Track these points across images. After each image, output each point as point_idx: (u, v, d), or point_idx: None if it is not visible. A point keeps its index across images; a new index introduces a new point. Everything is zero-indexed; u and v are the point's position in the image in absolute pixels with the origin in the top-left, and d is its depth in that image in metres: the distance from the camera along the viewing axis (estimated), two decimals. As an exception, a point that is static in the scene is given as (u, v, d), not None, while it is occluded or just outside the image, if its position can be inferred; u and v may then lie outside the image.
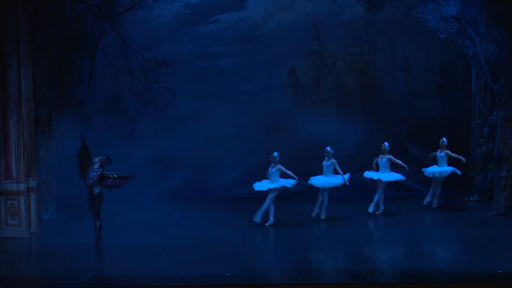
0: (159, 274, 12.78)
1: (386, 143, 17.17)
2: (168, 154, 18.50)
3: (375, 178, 17.15)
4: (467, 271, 12.34)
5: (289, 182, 16.19)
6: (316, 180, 16.61)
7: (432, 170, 17.55)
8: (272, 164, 16.24)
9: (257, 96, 19.45)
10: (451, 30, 18.27)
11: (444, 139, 17.45)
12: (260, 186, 16.26)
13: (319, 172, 16.84)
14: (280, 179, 16.19)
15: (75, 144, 17.38)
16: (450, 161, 17.60)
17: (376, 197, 17.14)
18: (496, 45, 17.58)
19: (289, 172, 16.06)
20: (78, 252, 14.19)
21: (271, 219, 16.18)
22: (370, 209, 17.04)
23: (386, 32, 19.46)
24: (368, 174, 17.27)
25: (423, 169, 17.73)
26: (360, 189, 17.74)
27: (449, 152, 17.31)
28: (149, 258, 13.87)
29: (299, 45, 19.50)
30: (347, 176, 16.55)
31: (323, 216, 16.53)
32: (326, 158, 16.63)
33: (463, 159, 17.32)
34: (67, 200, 17.49)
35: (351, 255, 13.98)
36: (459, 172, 17.37)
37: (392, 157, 17.09)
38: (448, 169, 17.41)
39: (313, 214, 16.54)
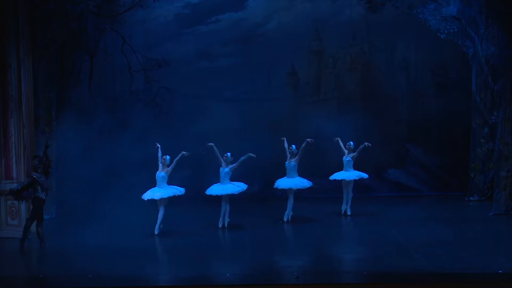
0: (159, 274, 12.78)
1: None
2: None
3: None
4: (467, 271, 12.33)
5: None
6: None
7: (339, 176, 16.99)
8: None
9: (257, 96, 19.48)
10: (451, 30, 18.25)
11: (351, 142, 16.95)
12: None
13: (319, 171, 16.88)
14: None
15: (75, 144, 17.45)
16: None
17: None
18: (496, 45, 17.58)
19: None
20: (78, 252, 14.18)
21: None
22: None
23: (386, 32, 19.48)
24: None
25: (330, 177, 17.12)
26: (358, 189, 17.66)
27: (355, 155, 16.82)
28: (148, 258, 13.87)
29: (299, 45, 19.52)
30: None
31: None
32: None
33: (367, 144, 16.71)
34: (67, 200, 17.51)
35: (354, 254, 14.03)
36: (365, 176, 16.94)
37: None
38: (353, 174, 16.88)
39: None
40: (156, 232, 15.40)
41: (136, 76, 19.38)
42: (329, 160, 17.65)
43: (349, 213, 16.96)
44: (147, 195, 15.45)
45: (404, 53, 19.61)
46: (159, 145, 15.70)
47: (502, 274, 12.10)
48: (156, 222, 15.43)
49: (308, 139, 16.25)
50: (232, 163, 15.92)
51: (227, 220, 16.08)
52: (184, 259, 13.86)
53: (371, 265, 13.03)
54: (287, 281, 12.14)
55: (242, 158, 15.84)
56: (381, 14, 19.28)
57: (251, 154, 15.82)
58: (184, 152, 15.50)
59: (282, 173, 16.60)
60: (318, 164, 18.34)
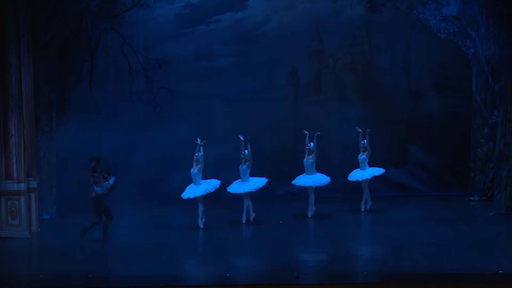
0: (159, 274, 12.78)
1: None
2: (169, 154, 18.51)
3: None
4: (467, 271, 12.34)
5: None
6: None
7: (355, 175, 17.18)
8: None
9: (258, 96, 19.48)
10: (452, 30, 18.26)
11: (365, 141, 17.07)
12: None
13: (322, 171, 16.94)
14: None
15: (75, 144, 17.47)
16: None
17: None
18: (496, 45, 17.59)
19: None
20: (78, 252, 14.20)
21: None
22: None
23: (386, 32, 19.47)
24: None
25: (348, 178, 17.32)
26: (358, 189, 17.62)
27: (369, 152, 17.01)
28: (149, 258, 13.88)
29: (299, 45, 19.51)
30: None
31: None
32: (243, 161, 16.36)
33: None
34: (67, 200, 17.51)
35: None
36: (381, 173, 17.16)
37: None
38: (368, 173, 17.07)
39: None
40: (200, 226, 15.74)
41: (137, 76, 19.37)
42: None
43: (362, 209, 17.19)
44: (185, 194, 15.80)
45: (404, 53, 19.60)
46: (199, 143, 15.94)
47: (502, 274, 12.11)
48: (198, 217, 15.79)
49: (316, 133, 16.51)
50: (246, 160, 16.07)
51: (252, 215, 16.16)
52: (184, 259, 13.87)
53: (371, 265, 13.04)
54: (287, 281, 12.15)
55: (246, 151, 16.08)
56: (381, 14, 19.26)
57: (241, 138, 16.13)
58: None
59: (284, 172, 16.60)
60: (322, 164, 18.36)
